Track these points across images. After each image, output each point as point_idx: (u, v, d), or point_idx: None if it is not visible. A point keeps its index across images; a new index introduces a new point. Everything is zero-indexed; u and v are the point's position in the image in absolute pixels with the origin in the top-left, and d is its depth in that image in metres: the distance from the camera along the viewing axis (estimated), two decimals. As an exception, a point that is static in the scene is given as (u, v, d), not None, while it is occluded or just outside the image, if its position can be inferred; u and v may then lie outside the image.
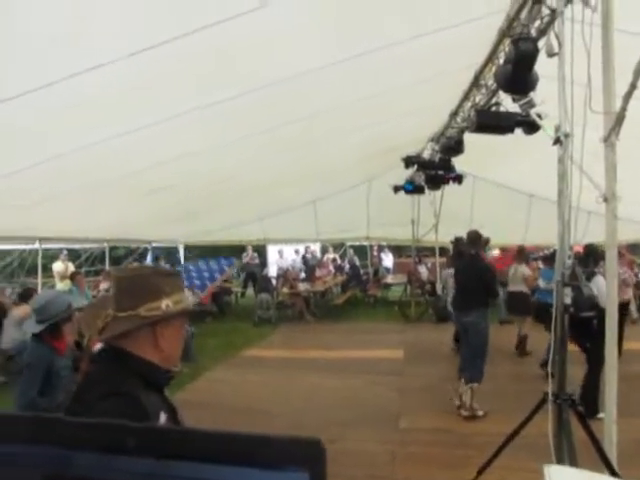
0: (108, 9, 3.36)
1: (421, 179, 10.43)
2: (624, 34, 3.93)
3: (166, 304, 1.63)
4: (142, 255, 16.45)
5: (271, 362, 9.27)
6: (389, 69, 5.96)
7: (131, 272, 1.78)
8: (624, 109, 3.40)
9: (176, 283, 1.73)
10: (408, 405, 6.71)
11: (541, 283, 8.14)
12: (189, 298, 9.40)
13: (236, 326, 12.45)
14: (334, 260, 19.08)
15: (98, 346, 1.69)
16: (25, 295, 7.91)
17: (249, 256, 18.26)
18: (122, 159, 6.38)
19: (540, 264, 10.74)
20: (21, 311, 7.48)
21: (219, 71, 4.87)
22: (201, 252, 20.72)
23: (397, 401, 6.88)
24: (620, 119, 3.43)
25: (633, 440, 4.63)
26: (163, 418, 1.58)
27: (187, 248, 17.69)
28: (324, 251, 19.76)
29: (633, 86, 3.30)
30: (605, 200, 3.60)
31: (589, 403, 5.31)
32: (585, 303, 3.68)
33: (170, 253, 19.03)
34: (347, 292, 16.29)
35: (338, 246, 19.75)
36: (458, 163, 9.62)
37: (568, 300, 3.62)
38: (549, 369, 3.75)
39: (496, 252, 17.56)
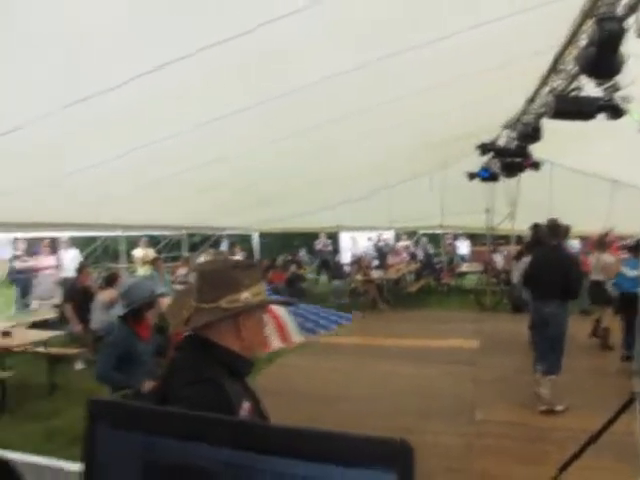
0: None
1: (496, 166, 10.17)
2: None
3: (245, 296, 1.71)
4: (217, 242, 16.93)
5: (344, 349, 9.34)
6: (462, 55, 5.80)
7: (212, 266, 1.88)
8: None
9: (255, 275, 1.80)
10: (483, 396, 6.60)
11: (626, 272, 7.81)
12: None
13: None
14: (407, 248, 18.93)
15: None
16: (110, 280, 8.36)
17: (322, 243, 18.40)
18: (198, 151, 6.58)
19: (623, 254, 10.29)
20: (107, 295, 7.94)
21: (297, 63, 4.91)
22: (274, 239, 21.04)
23: (472, 392, 6.79)
24: None
25: None
26: (246, 406, 1.66)
27: (261, 235, 18.01)
28: (397, 239, 19.62)
29: None
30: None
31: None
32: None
33: (244, 240, 19.44)
34: (420, 280, 16.12)
35: (411, 234, 19.57)
36: (535, 149, 9.32)
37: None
38: (634, 366, 3.60)
39: (576, 242, 16.95)
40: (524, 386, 6.77)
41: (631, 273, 7.59)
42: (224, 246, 17.04)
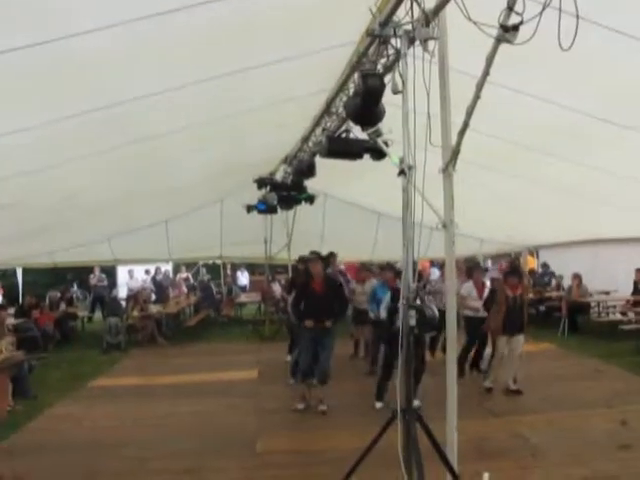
0: None
1: (274, 199, 10.57)
2: (461, 74, 4.31)
3: None
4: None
5: (121, 391, 8.73)
6: (242, 91, 6.01)
7: None
8: (459, 144, 3.73)
9: None
10: (265, 427, 6.70)
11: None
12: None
13: (83, 354, 11.68)
14: (187, 279, 18.68)
15: None
16: None
17: (96, 278, 17.32)
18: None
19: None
20: None
21: (65, 86, 4.63)
22: (42, 274, 19.23)
23: (253, 424, 6.83)
24: (455, 153, 3.75)
25: (469, 440, 5.12)
26: None
27: (26, 271, 16.37)
28: (176, 271, 19.28)
29: (466, 124, 3.63)
30: (444, 226, 3.91)
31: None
32: (428, 324, 3.95)
33: (5, 276, 17.60)
34: (200, 313, 15.98)
35: (191, 265, 19.36)
36: (310, 181, 9.90)
37: (413, 322, 3.85)
38: (397, 386, 3.97)
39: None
40: (303, 413, 7.08)
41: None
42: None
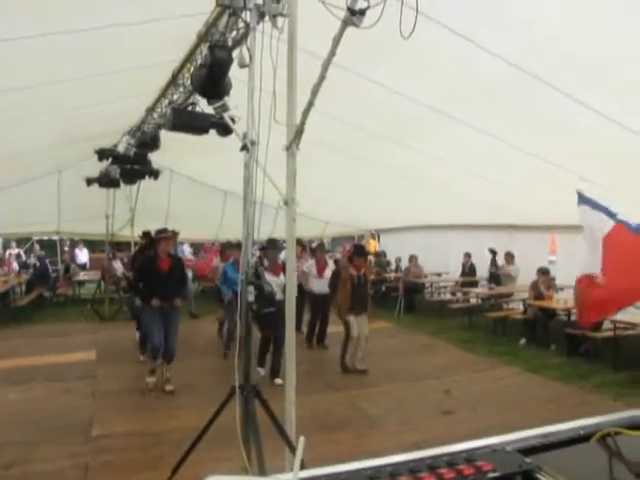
0: None
1: (116, 172, 10.06)
2: (309, 54, 4.34)
3: None
4: None
5: None
6: (85, 54, 5.58)
7: None
8: (303, 123, 3.78)
9: None
10: (102, 410, 6.40)
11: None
12: None
13: None
14: (18, 256, 17.28)
15: None
16: None
17: None
18: None
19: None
20: None
21: None
22: None
23: (89, 408, 6.50)
24: (299, 132, 3.80)
25: (309, 414, 5.46)
26: None
27: None
28: (5, 246, 17.74)
29: (311, 103, 3.68)
30: (286, 204, 3.96)
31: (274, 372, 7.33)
32: (265, 300, 4.02)
33: None
34: (33, 292, 14.84)
35: (23, 241, 17.89)
36: (156, 157, 9.56)
37: (251, 297, 3.89)
38: (235, 362, 3.96)
39: (186, 246, 18.16)
40: (143, 394, 6.90)
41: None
42: None
